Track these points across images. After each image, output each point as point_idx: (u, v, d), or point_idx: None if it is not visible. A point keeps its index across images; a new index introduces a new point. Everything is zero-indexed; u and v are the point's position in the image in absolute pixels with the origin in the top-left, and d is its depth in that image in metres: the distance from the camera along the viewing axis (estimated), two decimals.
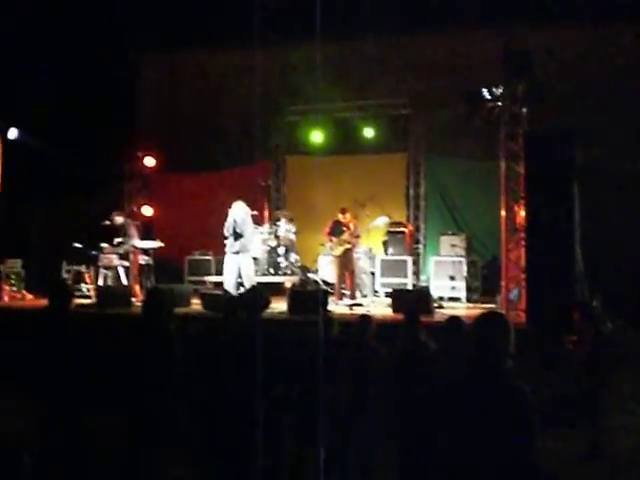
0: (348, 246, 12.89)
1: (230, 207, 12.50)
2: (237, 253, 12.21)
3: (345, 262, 12.98)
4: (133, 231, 13.81)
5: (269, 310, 11.20)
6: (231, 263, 12.27)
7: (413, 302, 10.95)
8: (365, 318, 6.82)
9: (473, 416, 3.41)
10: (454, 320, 6.24)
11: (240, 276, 12.18)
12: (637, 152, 13.57)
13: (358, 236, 13.05)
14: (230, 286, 12.14)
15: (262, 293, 6.68)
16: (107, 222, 13.58)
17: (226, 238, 12.37)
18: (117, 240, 13.61)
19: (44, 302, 7.40)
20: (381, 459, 6.26)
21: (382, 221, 13.39)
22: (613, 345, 7.90)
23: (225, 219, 12.57)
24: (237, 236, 12.21)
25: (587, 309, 8.42)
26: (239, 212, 12.37)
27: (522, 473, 3.33)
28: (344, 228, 12.96)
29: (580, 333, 8.15)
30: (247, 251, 12.40)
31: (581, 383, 7.93)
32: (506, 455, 3.34)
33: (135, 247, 13.75)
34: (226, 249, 12.47)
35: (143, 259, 14.10)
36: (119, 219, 13.65)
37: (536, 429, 3.37)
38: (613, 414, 7.89)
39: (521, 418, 3.35)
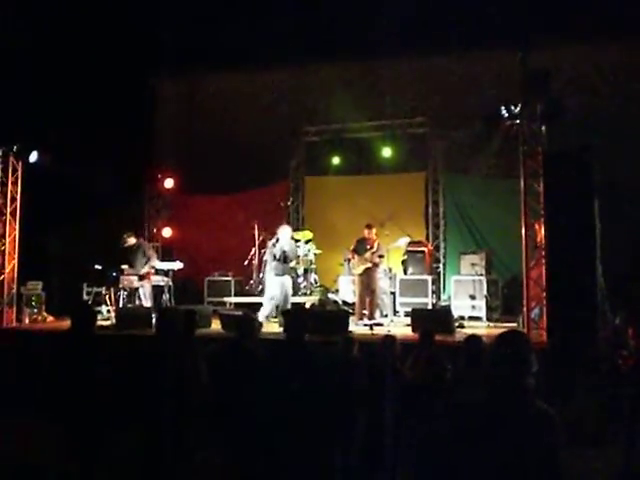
0: (369, 265, 12.84)
1: (276, 231, 12.80)
2: (282, 275, 12.49)
3: (366, 281, 12.93)
4: (151, 252, 13.88)
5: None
6: (275, 285, 12.49)
7: (431, 322, 10.93)
8: (389, 338, 6.78)
9: (496, 436, 3.37)
10: (473, 339, 6.18)
11: (284, 298, 12.45)
12: None
13: (382, 256, 12.98)
14: (268, 308, 12.48)
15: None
16: (121, 244, 13.67)
17: (275, 259, 12.55)
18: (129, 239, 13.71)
19: (65, 324, 7.43)
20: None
21: (403, 242, 13.37)
22: None
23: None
24: (285, 259, 12.45)
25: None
26: (287, 236, 12.62)
27: None
28: (367, 246, 12.93)
29: (632, 349, 8.06)
30: (289, 273, 12.81)
31: (625, 399, 7.80)
32: (530, 472, 3.30)
33: (155, 268, 13.79)
34: (268, 271, 12.74)
35: (163, 280, 14.14)
36: (131, 240, 13.72)
37: (560, 450, 3.33)
38: None
39: (546, 440, 3.31)
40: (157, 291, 13.95)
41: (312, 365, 5.71)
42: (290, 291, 12.66)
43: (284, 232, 12.56)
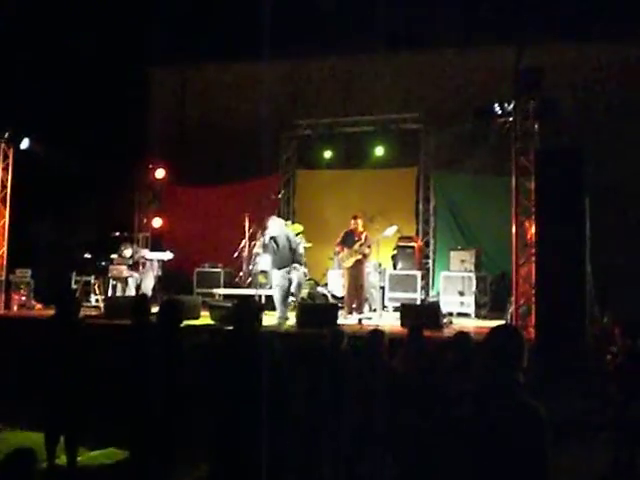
0: (359, 257, 12.83)
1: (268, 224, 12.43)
2: (281, 267, 12.09)
3: (355, 275, 12.93)
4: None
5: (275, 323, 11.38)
6: (279, 279, 12.10)
7: (420, 317, 10.97)
8: (377, 332, 6.79)
9: (484, 431, 3.38)
10: (462, 335, 6.21)
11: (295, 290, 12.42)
12: None
13: (370, 246, 12.96)
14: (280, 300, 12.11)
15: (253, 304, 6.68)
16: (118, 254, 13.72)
17: (269, 252, 12.35)
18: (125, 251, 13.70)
19: (52, 311, 7.43)
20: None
21: (392, 230, 13.32)
22: None
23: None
24: (279, 250, 12.12)
25: (627, 325, 8.36)
26: (276, 227, 12.30)
27: None
28: (355, 238, 12.92)
29: (619, 348, 8.10)
30: (293, 264, 12.34)
31: (612, 398, 7.85)
32: (518, 470, 3.31)
33: (145, 258, 13.79)
34: (271, 267, 12.48)
35: (153, 270, 14.16)
36: (128, 252, 13.75)
37: (548, 448, 3.34)
38: None
39: (534, 436, 3.31)
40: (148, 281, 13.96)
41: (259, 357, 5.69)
42: (299, 282, 12.48)
43: (272, 223, 12.38)
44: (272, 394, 5.25)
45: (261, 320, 6.17)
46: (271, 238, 12.02)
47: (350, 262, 12.91)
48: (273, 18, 14.93)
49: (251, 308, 6.05)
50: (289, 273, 12.10)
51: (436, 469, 4.80)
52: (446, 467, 3.58)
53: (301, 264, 12.70)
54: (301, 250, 13.04)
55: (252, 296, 11.09)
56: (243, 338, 5.65)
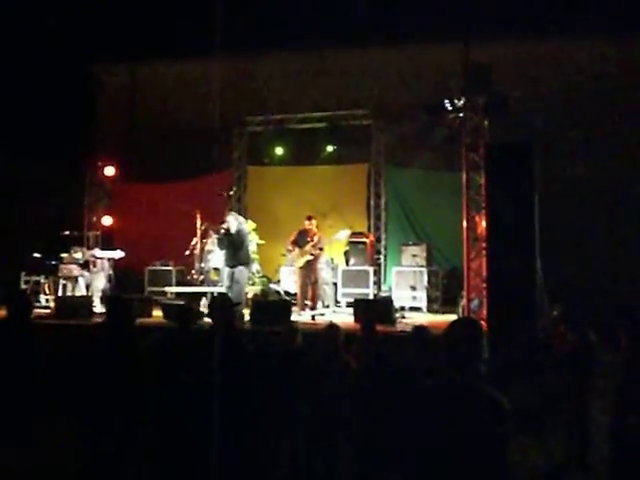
0: (310, 258, 12.89)
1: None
2: (232, 266, 12.02)
3: (307, 273, 12.98)
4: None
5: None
6: (226, 276, 12.16)
7: (373, 312, 11.03)
8: (333, 327, 6.80)
9: (447, 421, 3.40)
10: (420, 330, 6.25)
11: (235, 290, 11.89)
12: (597, 162, 13.84)
13: (321, 249, 13.02)
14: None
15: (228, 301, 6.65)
16: (66, 254, 13.57)
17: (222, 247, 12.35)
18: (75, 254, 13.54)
19: (1, 313, 7.30)
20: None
21: (343, 235, 13.45)
22: (596, 354, 7.96)
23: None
24: (234, 246, 12.08)
25: (571, 318, 8.50)
26: (233, 222, 12.20)
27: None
28: (308, 239, 12.96)
29: (566, 341, 8.23)
30: (243, 263, 12.16)
31: (564, 391, 7.97)
32: (479, 460, 3.34)
33: (96, 257, 13.65)
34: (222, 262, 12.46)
35: (104, 269, 14.01)
36: (78, 255, 13.59)
37: (510, 439, 3.39)
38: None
39: (496, 427, 3.35)
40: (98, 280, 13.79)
41: (243, 354, 5.68)
42: (242, 283, 12.10)
43: (230, 218, 12.30)
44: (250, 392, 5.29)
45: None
46: (228, 233, 11.98)
47: (301, 262, 12.98)
48: (223, 15, 14.88)
49: (226, 304, 6.04)
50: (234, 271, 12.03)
51: (398, 461, 4.83)
52: (408, 457, 3.61)
53: (249, 264, 12.58)
54: (252, 248, 12.99)
55: (225, 293, 10.94)
56: (222, 334, 5.64)
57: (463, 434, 3.34)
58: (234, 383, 5.42)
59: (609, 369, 7.65)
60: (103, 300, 12.72)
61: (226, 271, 12.21)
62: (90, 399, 6.07)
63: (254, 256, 14.64)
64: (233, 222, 12.09)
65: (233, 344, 5.66)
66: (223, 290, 12.33)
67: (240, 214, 16.19)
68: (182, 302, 12.21)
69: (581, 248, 13.46)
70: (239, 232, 12.01)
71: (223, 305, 6.05)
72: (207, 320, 9.66)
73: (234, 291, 11.68)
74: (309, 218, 13.16)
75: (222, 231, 12.09)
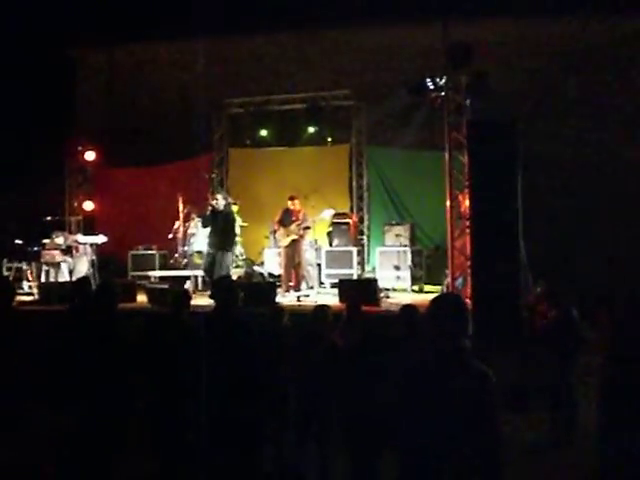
0: (295, 237, 12.86)
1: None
2: (216, 249, 12.03)
3: (292, 253, 12.94)
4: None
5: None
6: (207, 258, 12.19)
7: (358, 293, 11.07)
8: (323, 308, 6.81)
9: (436, 397, 3.42)
10: (408, 308, 6.27)
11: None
12: (579, 141, 13.92)
13: (307, 227, 12.99)
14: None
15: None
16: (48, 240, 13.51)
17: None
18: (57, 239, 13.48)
19: None
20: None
21: (328, 214, 13.40)
22: (580, 329, 8.02)
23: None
24: (220, 229, 12.06)
25: (554, 295, 8.54)
26: (220, 201, 12.19)
27: (484, 456, 3.37)
28: (293, 218, 12.92)
29: (550, 318, 8.28)
30: (226, 248, 12.15)
31: (547, 368, 8.02)
32: (468, 437, 3.36)
33: (78, 242, 13.59)
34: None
35: (87, 253, 13.95)
36: (59, 240, 13.52)
37: (497, 409, 3.41)
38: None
39: (484, 399, 3.38)
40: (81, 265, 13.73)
41: (246, 336, 5.66)
42: (225, 267, 12.04)
43: (219, 196, 12.25)
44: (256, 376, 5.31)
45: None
46: (214, 211, 11.94)
47: (286, 241, 12.91)
48: None
49: (231, 287, 6.02)
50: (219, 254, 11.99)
51: (387, 437, 4.85)
52: (397, 434, 3.62)
53: (232, 248, 12.53)
54: (237, 231, 12.97)
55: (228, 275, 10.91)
56: (228, 318, 5.62)
57: (452, 406, 3.36)
58: (240, 364, 5.41)
59: (592, 347, 7.74)
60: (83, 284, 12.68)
61: (210, 252, 12.16)
62: (74, 384, 6.04)
63: (237, 239, 14.63)
64: (221, 201, 12.06)
65: (240, 325, 5.64)
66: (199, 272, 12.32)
67: None
68: (166, 286, 12.19)
69: (565, 226, 13.55)
70: (227, 215, 11.98)
71: (230, 286, 6.02)
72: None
73: (216, 274, 11.59)
74: (291, 198, 13.12)
75: (209, 208, 12.03)
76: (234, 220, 12.31)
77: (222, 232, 12.01)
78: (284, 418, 6.48)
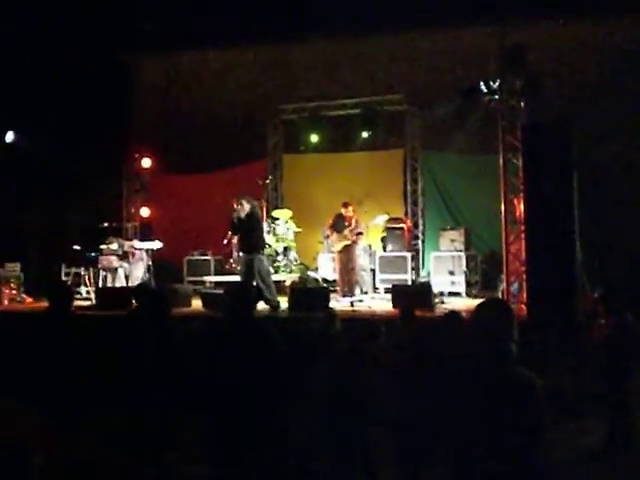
0: (348, 242, 12.84)
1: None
2: (245, 252, 11.89)
3: (345, 258, 12.93)
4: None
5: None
6: (242, 264, 12.05)
7: (412, 298, 11.00)
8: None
9: (482, 404, 3.38)
10: (453, 314, 6.21)
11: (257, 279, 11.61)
12: (634, 141, 13.65)
13: (360, 233, 12.95)
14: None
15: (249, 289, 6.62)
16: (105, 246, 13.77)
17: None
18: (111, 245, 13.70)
19: (43, 305, 7.37)
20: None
21: (381, 219, 13.39)
22: (638, 336, 7.85)
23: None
24: (242, 230, 11.92)
25: (612, 300, 8.37)
26: (245, 206, 12.00)
27: (526, 465, 3.32)
28: (346, 223, 12.90)
29: (606, 322, 8.13)
30: (257, 250, 11.89)
31: (604, 374, 7.87)
32: (512, 445, 3.31)
33: (135, 248, 13.78)
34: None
35: (143, 259, 14.15)
36: (114, 246, 13.73)
37: (545, 417, 3.35)
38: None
39: (531, 406, 3.33)
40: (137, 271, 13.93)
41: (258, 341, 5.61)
42: (263, 272, 11.71)
43: (238, 207, 11.91)
44: (273, 383, 5.25)
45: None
46: (240, 219, 11.81)
47: (339, 246, 12.92)
48: (257, 3, 14.91)
49: (247, 293, 6.00)
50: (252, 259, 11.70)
51: (435, 444, 4.81)
52: (445, 441, 3.59)
53: (260, 249, 12.06)
54: (263, 232, 12.61)
55: (248, 281, 10.81)
56: (242, 324, 5.61)
57: (496, 415, 3.32)
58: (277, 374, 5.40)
59: None
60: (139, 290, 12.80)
61: (242, 257, 12.09)
62: (132, 388, 6.12)
63: (291, 244, 14.68)
64: (246, 205, 11.81)
65: (249, 330, 5.59)
66: (238, 278, 12.25)
67: (277, 203, 16.33)
68: (221, 291, 12.26)
69: (622, 230, 13.28)
70: (250, 216, 11.79)
71: (238, 293, 5.96)
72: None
73: (255, 280, 11.45)
74: (345, 205, 13.10)
75: (234, 219, 11.90)
76: (257, 221, 12.05)
77: (247, 235, 11.86)
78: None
